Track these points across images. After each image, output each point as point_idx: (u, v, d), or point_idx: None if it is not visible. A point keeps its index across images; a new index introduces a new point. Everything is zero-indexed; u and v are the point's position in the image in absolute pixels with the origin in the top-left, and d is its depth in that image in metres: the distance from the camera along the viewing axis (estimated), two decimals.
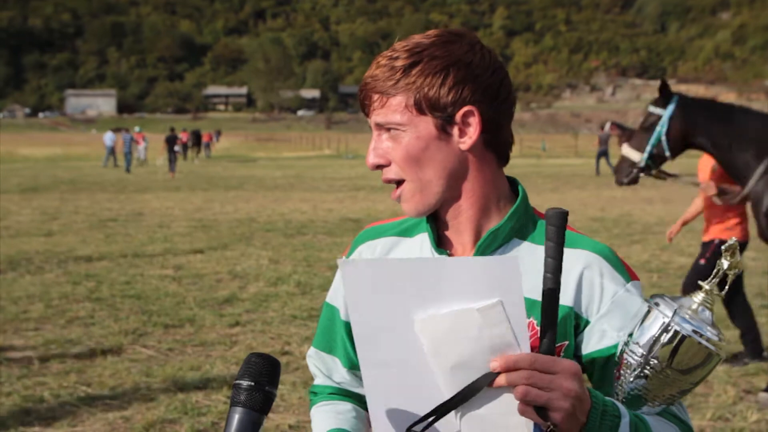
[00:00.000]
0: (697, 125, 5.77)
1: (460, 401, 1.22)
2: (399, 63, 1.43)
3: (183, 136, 43.98)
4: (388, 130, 1.46)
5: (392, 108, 1.44)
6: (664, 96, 5.84)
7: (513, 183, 1.56)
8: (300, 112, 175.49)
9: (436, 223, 1.55)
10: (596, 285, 1.45)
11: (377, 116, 1.46)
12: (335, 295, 1.68)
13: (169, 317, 7.75)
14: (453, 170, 1.47)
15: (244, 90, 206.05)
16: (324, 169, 36.77)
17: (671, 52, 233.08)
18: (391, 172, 1.48)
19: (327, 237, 13.53)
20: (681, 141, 5.84)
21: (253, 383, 1.20)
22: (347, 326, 1.63)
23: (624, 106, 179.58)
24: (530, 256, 1.47)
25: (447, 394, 1.22)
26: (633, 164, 5.96)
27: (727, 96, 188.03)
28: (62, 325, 7.45)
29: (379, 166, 1.49)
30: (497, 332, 1.18)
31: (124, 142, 34.83)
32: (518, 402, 1.19)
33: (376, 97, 1.46)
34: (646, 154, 5.94)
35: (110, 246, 12.28)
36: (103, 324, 7.49)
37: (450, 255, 1.51)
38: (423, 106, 1.43)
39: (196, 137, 47.16)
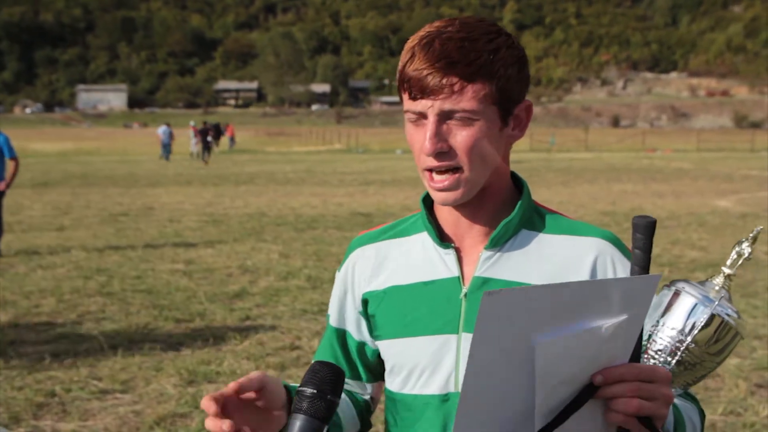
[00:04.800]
0: None
1: (564, 417, 1.14)
2: (479, 46, 1.33)
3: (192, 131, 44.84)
4: (452, 116, 1.35)
5: (469, 95, 1.33)
6: None
7: (512, 174, 1.55)
8: (313, 107, 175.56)
9: (436, 218, 1.52)
10: (609, 272, 1.45)
11: (448, 102, 1.33)
12: (340, 317, 1.62)
13: (180, 312, 7.77)
14: (498, 162, 1.44)
15: (254, 84, 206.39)
16: (334, 163, 36.74)
17: (682, 45, 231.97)
18: (452, 159, 1.37)
19: (337, 231, 13.53)
20: None
21: (315, 391, 1.18)
22: (360, 346, 1.60)
23: (635, 99, 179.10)
24: (538, 245, 1.47)
25: (541, 411, 1.13)
26: None
27: (739, 89, 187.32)
28: (74, 319, 7.48)
29: (440, 153, 1.37)
30: (610, 347, 1.13)
31: (163, 134, 38.36)
32: (615, 413, 1.14)
33: (455, 80, 1.32)
34: None
35: (121, 240, 12.32)
36: (114, 318, 7.52)
37: (456, 249, 1.49)
38: (500, 96, 1.36)
39: (217, 131, 47.67)
